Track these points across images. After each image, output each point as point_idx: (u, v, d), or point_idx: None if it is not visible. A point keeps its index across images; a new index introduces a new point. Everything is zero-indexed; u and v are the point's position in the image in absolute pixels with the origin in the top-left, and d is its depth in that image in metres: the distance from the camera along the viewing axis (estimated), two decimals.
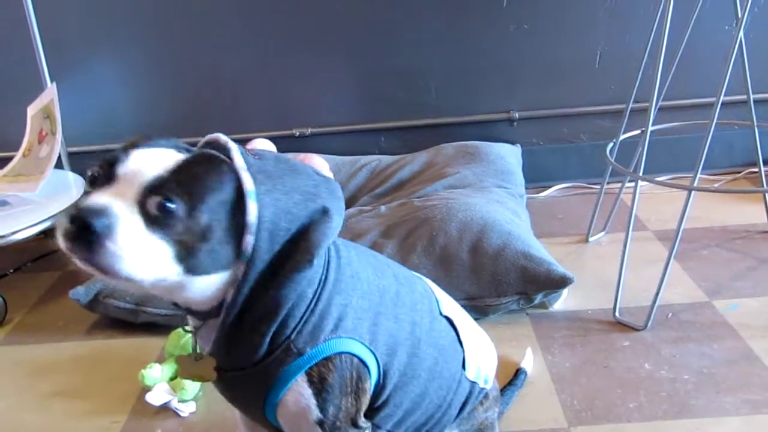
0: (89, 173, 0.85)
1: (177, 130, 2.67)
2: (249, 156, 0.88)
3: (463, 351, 1.13)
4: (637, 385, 1.55)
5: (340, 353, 0.92)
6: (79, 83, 2.60)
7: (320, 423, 0.94)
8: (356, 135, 2.66)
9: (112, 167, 0.83)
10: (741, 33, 1.75)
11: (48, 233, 2.53)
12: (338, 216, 0.92)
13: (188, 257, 0.82)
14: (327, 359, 0.91)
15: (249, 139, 2.48)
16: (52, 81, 2.40)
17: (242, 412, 1.11)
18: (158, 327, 1.86)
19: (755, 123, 2.08)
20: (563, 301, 1.89)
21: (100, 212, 0.78)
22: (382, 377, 0.98)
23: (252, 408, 0.99)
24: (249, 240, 0.85)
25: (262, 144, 2.35)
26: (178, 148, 0.88)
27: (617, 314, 1.79)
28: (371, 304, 0.97)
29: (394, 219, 2.03)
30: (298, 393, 0.92)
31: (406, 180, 2.40)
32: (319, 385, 0.92)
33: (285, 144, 2.53)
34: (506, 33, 2.55)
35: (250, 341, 0.90)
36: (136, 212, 0.79)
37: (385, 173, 2.45)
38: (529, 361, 1.60)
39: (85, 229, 0.77)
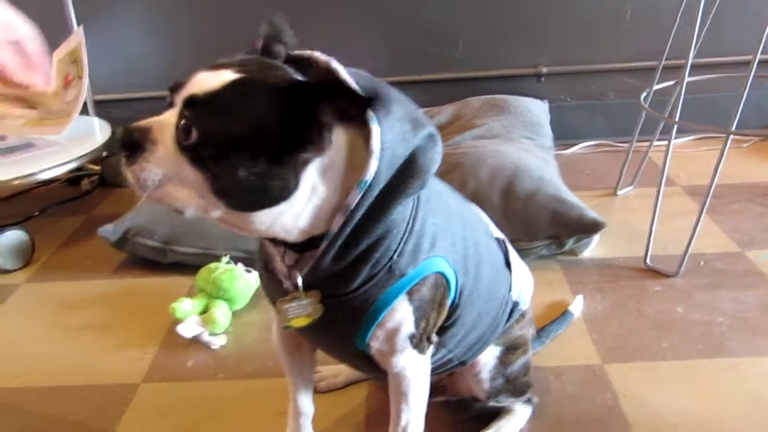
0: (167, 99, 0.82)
1: None
2: (360, 77, 0.83)
3: (510, 273, 1.13)
4: (670, 326, 1.54)
5: (435, 272, 0.92)
6: (105, 31, 2.59)
7: (411, 336, 0.94)
8: None
9: (176, 91, 0.81)
10: None
11: (72, 181, 2.54)
12: (441, 142, 0.89)
13: (226, 191, 0.78)
14: (425, 277, 0.91)
15: None
16: (78, 25, 2.39)
17: (319, 342, 1.06)
18: (186, 266, 1.86)
19: None
20: (593, 249, 1.87)
21: (140, 131, 0.78)
22: (458, 296, 0.98)
23: (340, 335, 0.96)
24: (372, 166, 0.80)
25: None
26: (248, 68, 0.80)
27: (648, 261, 1.78)
28: (449, 224, 0.96)
29: None
30: (399, 311, 0.91)
31: None
32: (418, 302, 0.91)
33: None
34: None
35: (353, 269, 0.87)
36: (173, 135, 0.77)
37: None
38: (578, 306, 1.59)
39: (125, 146, 0.78)
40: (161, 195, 0.79)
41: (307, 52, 0.86)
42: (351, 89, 0.77)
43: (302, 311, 0.91)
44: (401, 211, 0.86)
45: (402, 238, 0.87)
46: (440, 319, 0.99)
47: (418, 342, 0.96)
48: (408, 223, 0.88)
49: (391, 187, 0.83)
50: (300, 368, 1.13)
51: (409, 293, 0.90)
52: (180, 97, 0.79)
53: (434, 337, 1.00)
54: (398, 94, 0.87)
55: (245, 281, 1.68)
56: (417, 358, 0.98)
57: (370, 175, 0.81)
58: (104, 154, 2.46)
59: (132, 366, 1.53)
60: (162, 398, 1.43)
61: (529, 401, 1.27)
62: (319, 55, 0.85)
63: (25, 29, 0.90)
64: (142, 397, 1.43)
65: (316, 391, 1.38)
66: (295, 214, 0.82)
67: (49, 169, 2.10)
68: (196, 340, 1.59)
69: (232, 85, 0.77)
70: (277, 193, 0.79)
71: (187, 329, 1.58)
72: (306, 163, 0.80)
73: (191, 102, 0.77)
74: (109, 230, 1.90)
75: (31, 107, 2.11)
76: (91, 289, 1.88)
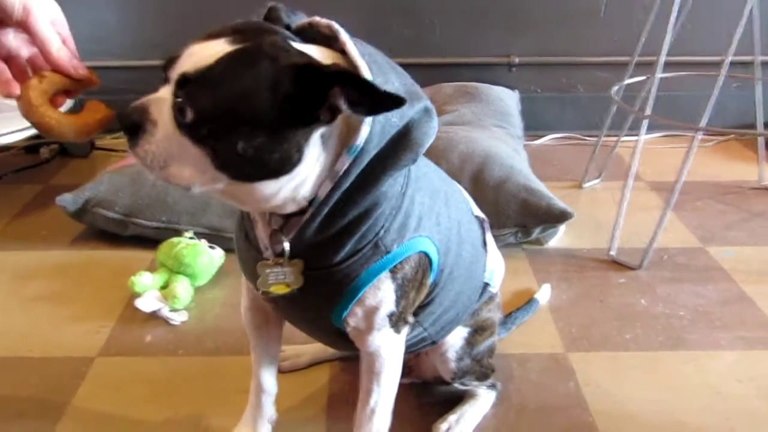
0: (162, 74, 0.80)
1: (169, 48, 2.61)
2: (359, 44, 0.82)
3: (486, 253, 1.12)
4: (633, 318, 1.55)
5: (419, 252, 0.91)
6: None
7: (390, 315, 0.93)
8: None
9: (170, 66, 0.78)
10: None
11: (30, 148, 2.47)
12: (436, 116, 0.87)
13: (227, 165, 0.76)
14: (409, 256, 0.90)
15: None
16: None
17: (295, 315, 1.04)
18: (147, 240, 1.81)
19: (758, 77, 2.09)
20: (558, 239, 1.88)
21: (139, 112, 0.77)
22: (438, 275, 0.97)
23: (318, 309, 0.94)
24: (364, 131, 0.79)
25: None
26: (243, 36, 0.76)
27: (613, 253, 1.79)
28: (435, 204, 0.95)
29: None
30: (381, 289, 0.89)
31: None
32: (401, 280, 0.90)
33: None
34: None
35: (339, 240, 0.85)
36: (170, 114, 0.75)
37: None
38: (544, 294, 1.59)
39: (127, 128, 0.77)
40: (167, 175, 0.78)
41: (307, 20, 0.84)
42: (369, 83, 0.74)
43: (283, 278, 0.89)
44: (391, 185, 0.85)
45: (390, 215, 0.86)
46: (419, 298, 0.97)
47: (396, 321, 0.94)
48: (397, 200, 0.87)
49: (383, 158, 0.81)
50: (266, 344, 1.11)
51: (393, 271, 0.89)
52: (173, 74, 0.76)
53: (410, 318, 0.99)
54: (397, 66, 0.86)
55: (208, 257, 1.65)
56: (393, 337, 0.96)
57: (361, 140, 0.79)
58: None
59: (88, 339, 1.48)
60: (119, 372, 1.39)
61: (493, 386, 1.27)
62: (319, 20, 0.83)
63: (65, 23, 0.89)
64: (97, 370, 1.39)
65: (279, 371, 1.35)
66: (299, 184, 0.81)
67: (6, 134, 2.04)
68: (155, 316, 1.55)
69: (225, 59, 0.74)
70: (280, 165, 0.77)
71: (147, 304, 1.54)
72: (309, 135, 0.78)
73: (183, 81, 0.74)
74: (68, 200, 1.84)
75: None
76: (47, 259, 1.82)
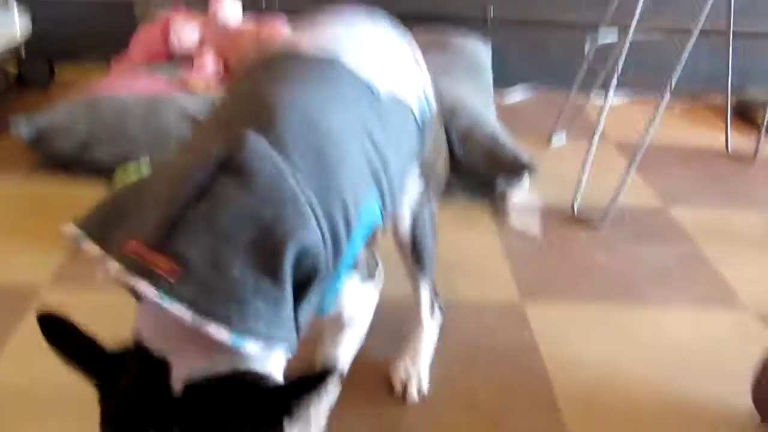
0: None
1: None
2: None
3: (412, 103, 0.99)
4: (591, 272, 1.56)
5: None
6: None
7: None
8: None
9: None
10: None
11: None
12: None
13: None
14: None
15: None
16: None
17: None
18: (104, 171, 1.75)
19: (731, 31, 2.09)
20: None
21: None
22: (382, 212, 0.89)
23: None
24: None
25: (230, 5, 2.20)
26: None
27: (576, 210, 1.79)
28: (349, 178, 0.81)
29: None
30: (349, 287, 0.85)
31: None
32: (362, 260, 0.88)
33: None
34: None
35: None
36: None
37: None
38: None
39: None
40: None
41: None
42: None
43: None
44: (315, 244, 0.72)
45: (324, 254, 0.74)
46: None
47: (367, 275, 0.90)
48: (321, 239, 0.74)
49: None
50: None
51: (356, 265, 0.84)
52: None
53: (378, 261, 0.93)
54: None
55: None
56: (366, 288, 0.91)
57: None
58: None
59: (35, 271, 1.44)
60: (67, 304, 1.35)
61: (436, 312, 1.24)
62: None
63: None
64: (44, 301, 1.35)
65: None
66: None
67: None
68: None
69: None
70: None
71: None
72: None
73: None
74: (23, 126, 1.78)
75: None
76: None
